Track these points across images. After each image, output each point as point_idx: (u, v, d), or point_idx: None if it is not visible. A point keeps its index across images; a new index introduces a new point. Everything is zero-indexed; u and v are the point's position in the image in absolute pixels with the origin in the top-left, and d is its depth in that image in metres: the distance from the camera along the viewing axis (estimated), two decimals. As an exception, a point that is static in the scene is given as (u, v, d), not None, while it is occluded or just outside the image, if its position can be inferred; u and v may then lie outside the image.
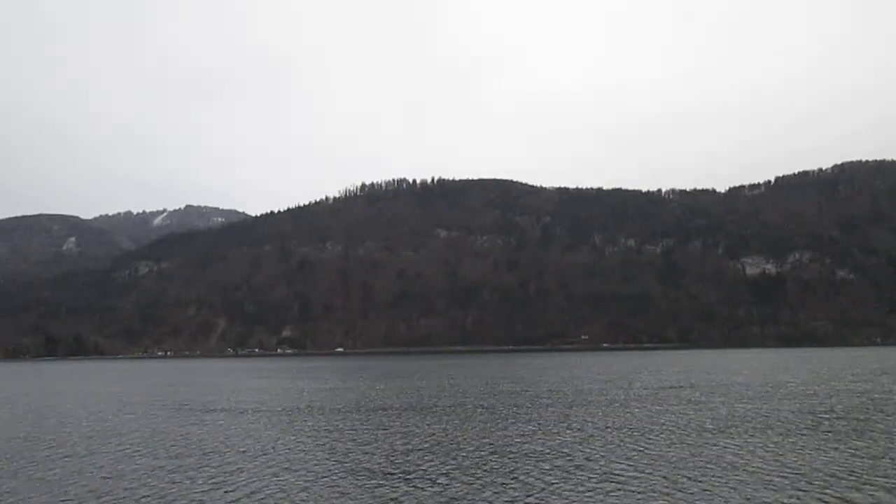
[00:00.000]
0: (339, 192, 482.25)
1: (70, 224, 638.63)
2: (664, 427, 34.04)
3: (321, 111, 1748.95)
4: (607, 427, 34.47)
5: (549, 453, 27.34)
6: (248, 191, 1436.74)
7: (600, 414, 40.22)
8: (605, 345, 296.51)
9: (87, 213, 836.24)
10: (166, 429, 37.97)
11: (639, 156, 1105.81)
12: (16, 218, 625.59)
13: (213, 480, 23.73)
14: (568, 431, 33.21)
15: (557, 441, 30.37)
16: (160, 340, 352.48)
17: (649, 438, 30.46)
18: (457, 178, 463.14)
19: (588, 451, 27.74)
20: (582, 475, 23.12)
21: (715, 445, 28.35)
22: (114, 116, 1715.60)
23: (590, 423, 35.96)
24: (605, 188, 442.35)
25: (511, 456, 26.99)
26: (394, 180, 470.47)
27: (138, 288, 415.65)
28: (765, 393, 53.03)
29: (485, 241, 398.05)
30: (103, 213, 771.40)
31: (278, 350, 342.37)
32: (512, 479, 22.88)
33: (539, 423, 36.39)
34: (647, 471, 23.54)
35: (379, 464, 26.09)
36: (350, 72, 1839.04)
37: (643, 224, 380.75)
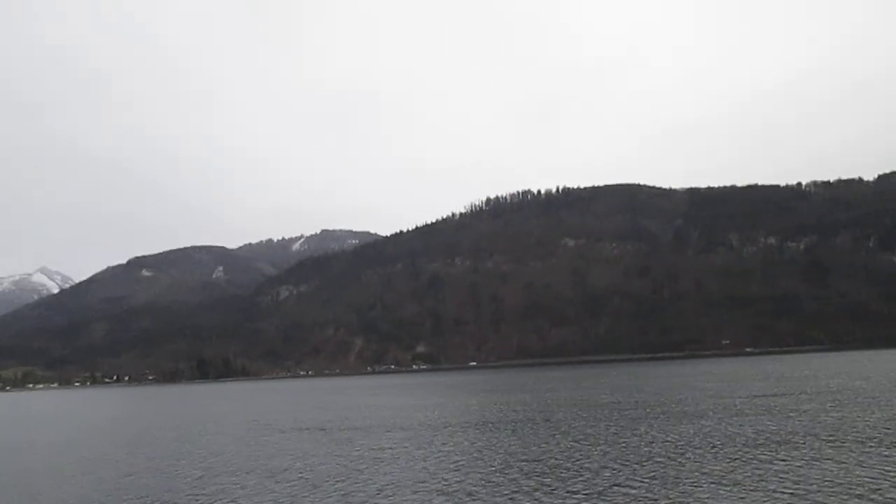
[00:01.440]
0: (465, 207, 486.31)
1: (218, 254, 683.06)
2: (715, 441, 32.04)
3: (444, 130, 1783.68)
4: (654, 441, 32.90)
5: (565, 468, 26.57)
6: (379, 212, 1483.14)
7: (663, 426, 38.41)
8: (748, 349, 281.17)
9: (233, 242, 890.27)
10: (226, 450, 39.91)
11: (770, 151, 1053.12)
12: (171, 251, 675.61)
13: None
14: (609, 447, 31.98)
15: (588, 456, 29.40)
16: (301, 360, 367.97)
17: (686, 453, 28.78)
18: (581, 186, 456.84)
19: (607, 464, 26.76)
20: (575, 489, 22.40)
21: (750, 461, 26.41)
22: (249, 151, 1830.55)
23: (640, 437, 34.56)
24: (738, 185, 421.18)
25: (518, 472, 26.42)
26: (518, 192, 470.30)
27: (280, 311, 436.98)
28: (871, 400, 48.39)
29: (614, 248, 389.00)
30: (247, 241, 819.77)
31: (413, 366, 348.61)
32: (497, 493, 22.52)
33: (589, 438, 35.32)
34: (643, 488, 22.44)
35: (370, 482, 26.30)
36: (468, 89, 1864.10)
37: (783, 220, 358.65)
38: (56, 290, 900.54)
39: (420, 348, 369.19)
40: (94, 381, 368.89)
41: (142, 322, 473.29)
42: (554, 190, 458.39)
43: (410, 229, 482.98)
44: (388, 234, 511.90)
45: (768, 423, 37.49)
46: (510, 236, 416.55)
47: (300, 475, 29.13)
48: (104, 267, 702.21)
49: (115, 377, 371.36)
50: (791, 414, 41.11)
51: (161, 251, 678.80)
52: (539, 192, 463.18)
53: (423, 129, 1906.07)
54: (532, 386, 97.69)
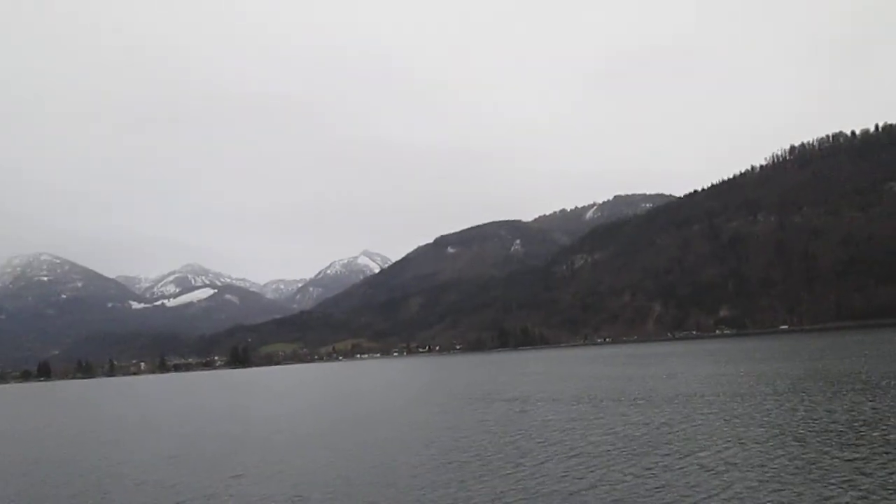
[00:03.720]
0: (766, 159, 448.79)
1: (515, 228, 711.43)
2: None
3: (728, 82, 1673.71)
4: (818, 419, 30.63)
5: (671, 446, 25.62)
6: (671, 173, 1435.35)
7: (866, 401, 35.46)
8: None
9: (528, 215, 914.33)
10: (418, 420, 44.01)
11: None
12: (472, 228, 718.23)
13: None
14: (772, 424, 29.83)
15: (727, 432, 27.72)
16: (599, 328, 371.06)
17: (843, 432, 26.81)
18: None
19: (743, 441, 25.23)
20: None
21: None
22: (538, 123, 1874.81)
23: (812, 411, 32.62)
24: None
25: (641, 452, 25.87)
26: (828, 136, 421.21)
27: (576, 280, 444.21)
28: None
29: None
30: (541, 213, 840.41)
31: (716, 331, 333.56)
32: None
33: (763, 415, 33.92)
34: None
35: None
36: (760, 36, 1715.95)
37: None
38: (377, 270, 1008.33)
39: (723, 312, 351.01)
40: (410, 351, 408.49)
41: (449, 296, 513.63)
42: (872, 129, 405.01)
43: (706, 187, 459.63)
44: (683, 195, 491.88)
45: None
46: (821, 186, 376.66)
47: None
48: (415, 247, 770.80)
49: (427, 347, 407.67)
50: None
51: (463, 228, 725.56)
52: (853, 133, 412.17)
53: (709, 85, 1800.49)
54: (810, 353, 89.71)
